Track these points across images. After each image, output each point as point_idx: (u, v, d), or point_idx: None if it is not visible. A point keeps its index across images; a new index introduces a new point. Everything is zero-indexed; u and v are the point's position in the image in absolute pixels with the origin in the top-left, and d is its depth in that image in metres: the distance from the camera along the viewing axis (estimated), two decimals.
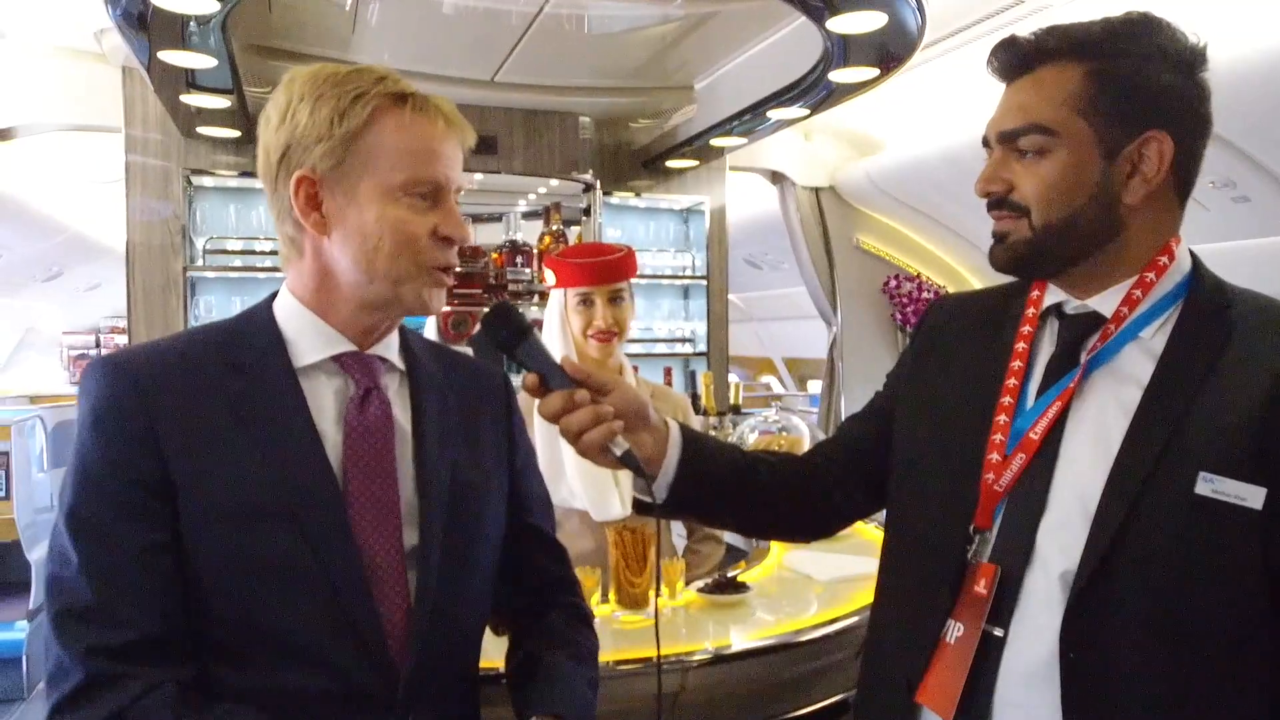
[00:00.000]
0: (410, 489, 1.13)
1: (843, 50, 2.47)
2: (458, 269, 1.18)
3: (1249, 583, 0.96)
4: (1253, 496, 0.95)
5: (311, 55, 2.92)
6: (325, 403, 1.11)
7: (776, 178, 4.74)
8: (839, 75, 2.67)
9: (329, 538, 1.05)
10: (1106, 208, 1.05)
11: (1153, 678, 0.97)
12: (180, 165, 3.43)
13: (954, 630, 1.07)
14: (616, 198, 4.11)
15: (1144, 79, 1.03)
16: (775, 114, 3.14)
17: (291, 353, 1.11)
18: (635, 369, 2.92)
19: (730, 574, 2.01)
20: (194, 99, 2.86)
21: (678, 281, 4.33)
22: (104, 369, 1.05)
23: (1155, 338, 1.05)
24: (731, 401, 3.19)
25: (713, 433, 3.05)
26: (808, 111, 3.08)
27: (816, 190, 4.81)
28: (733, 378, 3.71)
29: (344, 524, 1.06)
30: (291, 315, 1.13)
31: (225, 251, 3.56)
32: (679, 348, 4.31)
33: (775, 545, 2.39)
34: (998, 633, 1.04)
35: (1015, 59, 1.08)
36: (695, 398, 3.34)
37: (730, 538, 2.54)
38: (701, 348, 4.28)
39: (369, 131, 1.07)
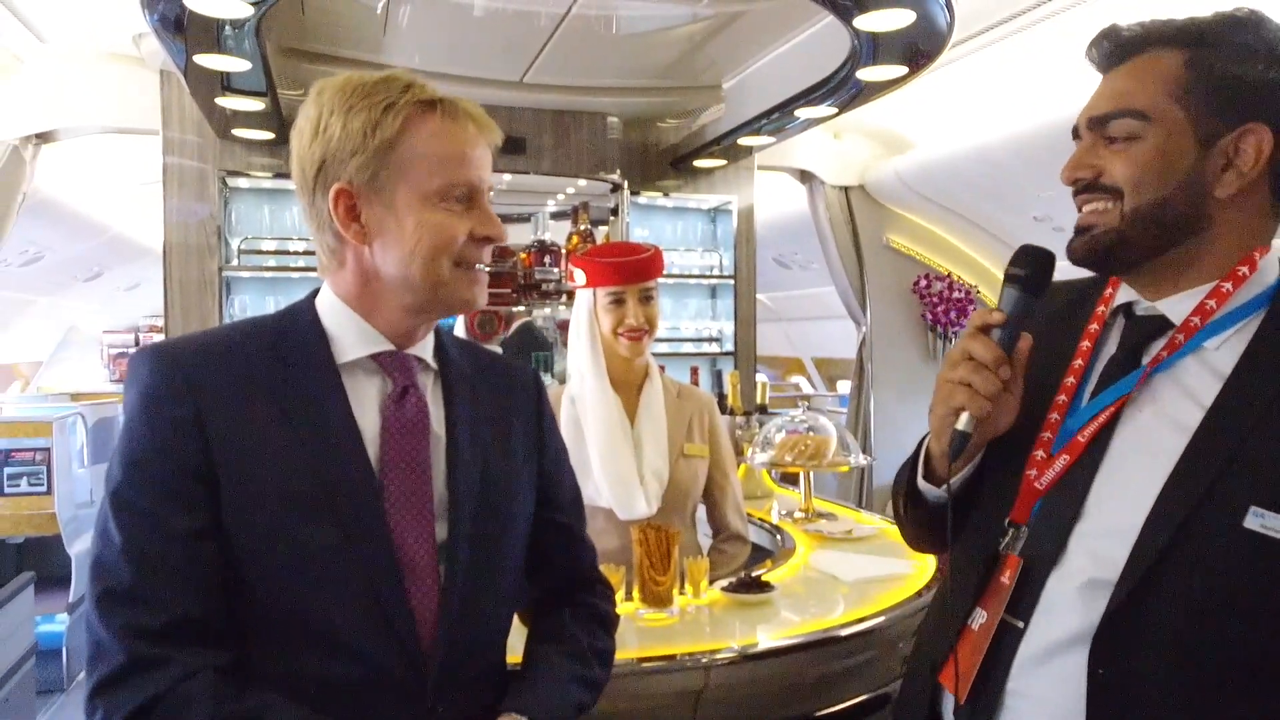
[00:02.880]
0: (442, 485, 1.15)
1: (870, 48, 2.46)
2: (488, 269, 1.21)
3: None
4: None
5: (343, 58, 2.96)
6: (365, 399, 1.14)
7: (805, 177, 4.72)
8: (867, 73, 2.65)
9: (365, 530, 1.07)
10: (1197, 198, 1.02)
11: (1182, 706, 0.95)
12: (216, 167, 3.49)
13: (978, 617, 1.07)
14: (644, 197, 4.12)
15: (1245, 70, 1.01)
16: (803, 113, 3.12)
17: (333, 349, 1.14)
18: (662, 368, 2.93)
19: (755, 573, 2.01)
20: (229, 101, 2.91)
21: (705, 281, 4.33)
22: (153, 357, 1.08)
23: (1221, 350, 1.02)
24: (758, 401, 3.20)
25: (739, 432, 3.05)
26: (836, 110, 3.07)
27: (846, 189, 4.78)
28: (761, 378, 3.71)
29: (380, 517, 1.08)
30: (334, 313, 1.16)
31: (259, 252, 3.62)
32: (706, 347, 4.32)
33: (801, 545, 2.39)
34: (1019, 624, 1.04)
35: (1115, 47, 1.06)
36: (722, 397, 3.34)
37: (756, 536, 2.54)
38: (729, 347, 4.28)
39: (403, 141, 1.09)
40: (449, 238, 1.11)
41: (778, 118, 3.24)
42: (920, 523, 1.24)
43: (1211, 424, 0.99)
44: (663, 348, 4.14)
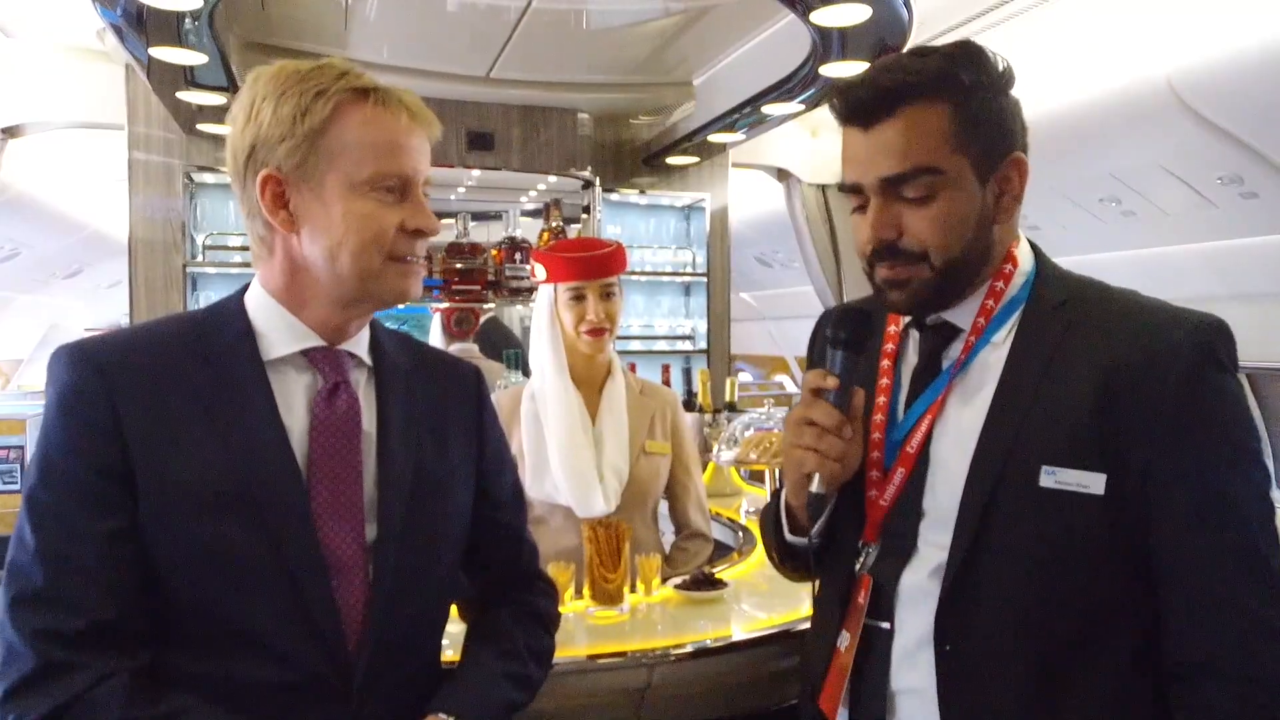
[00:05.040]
0: (373, 484, 1.14)
1: (830, 44, 2.45)
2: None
3: (1104, 566, 1.01)
4: (1094, 483, 1.00)
5: (307, 51, 2.93)
6: (293, 396, 1.12)
7: (782, 175, 4.70)
8: (830, 69, 2.64)
9: (290, 529, 1.06)
10: (986, 231, 1.09)
11: (1022, 663, 1.02)
12: (183, 162, 3.46)
13: (844, 639, 1.13)
14: (617, 195, 4.10)
15: (996, 107, 1.07)
16: (771, 109, 3.11)
17: (261, 346, 1.12)
18: (633, 366, 2.92)
19: (708, 570, 2.00)
20: (191, 96, 2.89)
21: (678, 279, 4.31)
22: (70, 356, 1.06)
23: (1007, 340, 1.10)
24: (727, 399, 3.19)
25: (707, 430, 3.04)
26: (804, 107, 3.06)
27: (823, 187, 4.77)
28: (745, 376, 3.71)
29: (305, 516, 1.07)
30: (263, 309, 1.14)
31: (225, 248, 3.59)
32: (679, 345, 4.30)
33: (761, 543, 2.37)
34: (885, 626, 1.10)
35: (874, 101, 1.06)
36: (692, 395, 3.33)
37: (719, 533, 2.53)
38: (702, 345, 4.27)
39: (332, 127, 1.07)
40: (378, 229, 1.09)
41: (748, 114, 3.22)
42: (797, 568, 1.30)
43: (999, 402, 1.07)
44: (635, 345, 4.14)
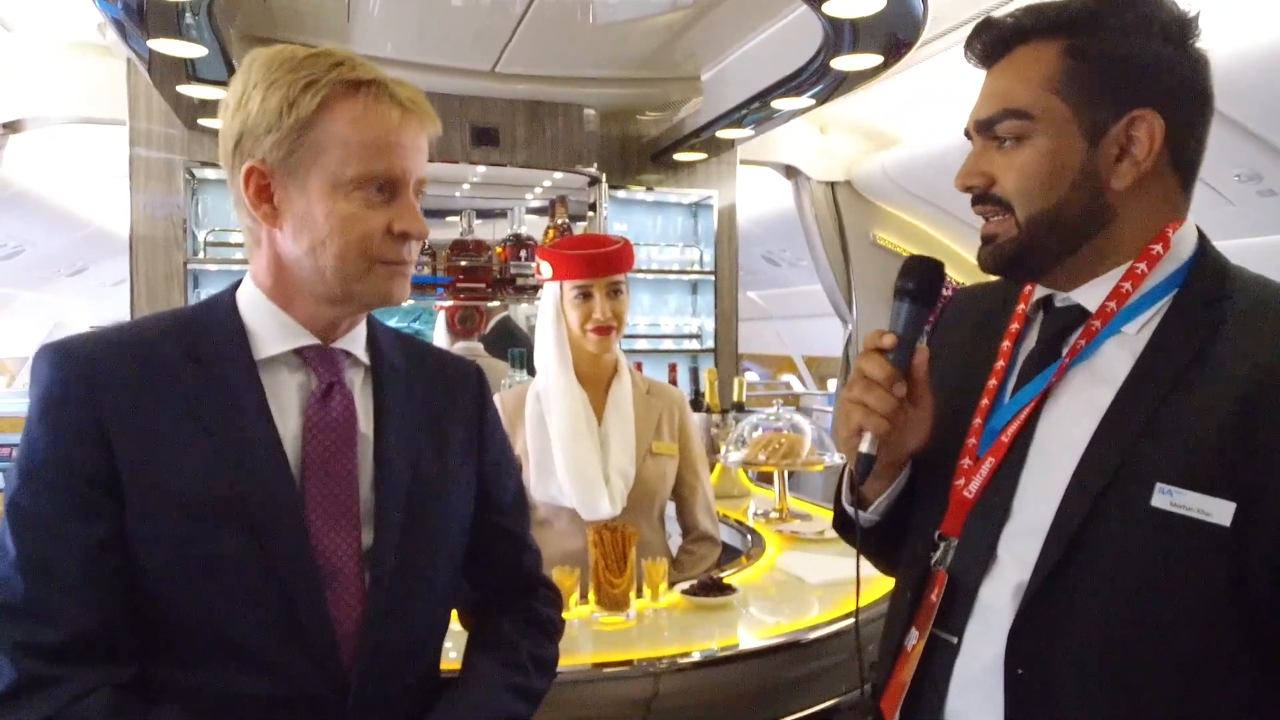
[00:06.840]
0: (369, 488, 1.10)
1: (843, 36, 2.40)
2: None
3: (1214, 604, 0.88)
4: (1218, 511, 0.86)
5: (309, 45, 2.89)
6: (286, 397, 1.08)
7: (790, 172, 4.67)
8: (841, 63, 2.59)
9: (282, 537, 1.02)
10: (1094, 195, 0.97)
11: (1103, 700, 0.90)
12: (184, 157, 3.42)
13: (912, 638, 1.04)
14: (623, 191, 4.04)
15: (1128, 53, 0.95)
16: (780, 104, 3.06)
17: (253, 344, 1.08)
18: (640, 365, 2.87)
19: (717, 575, 1.95)
20: (192, 90, 2.86)
21: (685, 277, 4.26)
22: (54, 356, 1.02)
23: (1141, 333, 0.97)
24: (735, 399, 3.14)
25: (714, 430, 2.99)
26: (814, 102, 3.01)
27: (832, 185, 4.73)
28: (753, 376, 3.66)
29: (299, 523, 1.03)
30: (254, 305, 1.10)
31: (227, 244, 3.54)
32: (686, 344, 4.24)
33: (771, 546, 2.33)
34: (952, 640, 1.00)
35: (993, 41, 1.01)
36: (699, 395, 3.29)
37: (727, 536, 2.49)
38: (709, 344, 4.21)
39: (319, 122, 1.02)
40: (361, 232, 1.04)
41: (757, 109, 3.17)
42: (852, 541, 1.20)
43: (1120, 403, 0.95)
44: (642, 344, 4.08)
